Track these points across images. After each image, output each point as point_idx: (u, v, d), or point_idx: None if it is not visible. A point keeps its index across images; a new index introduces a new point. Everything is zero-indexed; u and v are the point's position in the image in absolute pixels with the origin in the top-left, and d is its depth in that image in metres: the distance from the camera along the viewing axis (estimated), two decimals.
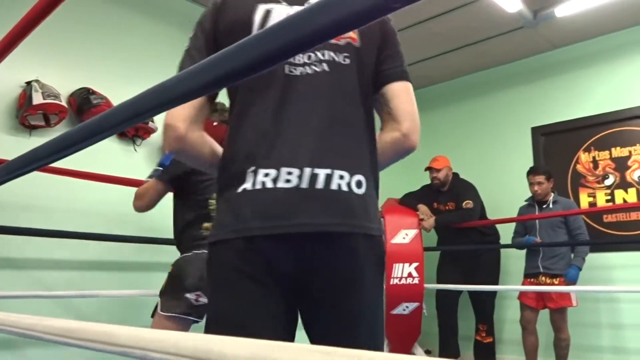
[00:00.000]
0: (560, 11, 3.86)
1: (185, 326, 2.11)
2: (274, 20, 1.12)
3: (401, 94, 1.17)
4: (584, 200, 4.30)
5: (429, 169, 4.39)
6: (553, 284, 3.72)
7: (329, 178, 1.04)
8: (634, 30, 4.21)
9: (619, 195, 4.17)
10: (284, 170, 1.03)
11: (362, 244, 1.06)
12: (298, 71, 1.12)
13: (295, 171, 1.03)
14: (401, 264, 4.26)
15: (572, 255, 3.76)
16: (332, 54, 1.13)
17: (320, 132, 1.08)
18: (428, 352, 4.59)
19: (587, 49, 4.43)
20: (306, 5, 0.52)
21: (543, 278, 3.76)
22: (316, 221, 1.02)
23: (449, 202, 4.22)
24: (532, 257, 3.86)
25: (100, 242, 2.97)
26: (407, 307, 3.82)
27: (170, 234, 2.30)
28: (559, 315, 3.71)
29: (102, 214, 3.07)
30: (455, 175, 4.42)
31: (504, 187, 4.63)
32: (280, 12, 1.14)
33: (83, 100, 2.96)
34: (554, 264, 3.72)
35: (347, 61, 1.14)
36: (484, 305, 4.23)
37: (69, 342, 0.64)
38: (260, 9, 1.14)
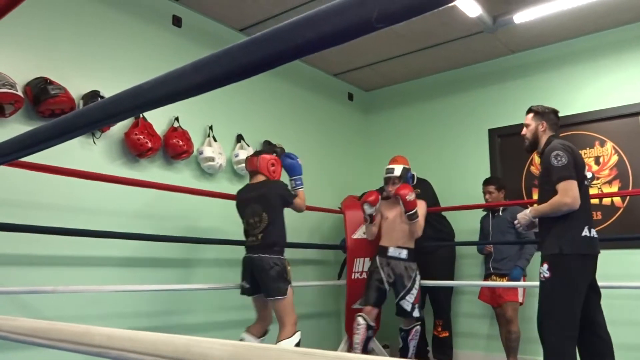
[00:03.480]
0: (518, 18, 3.99)
1: None
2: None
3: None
4: None
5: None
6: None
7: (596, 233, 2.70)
8: (588, 37, 4.39)
9: None
10: (593, 230, 2.66)
11: None
12: (587, 184, 2.80)
13: (594, 230, 2.67)
14: (361, 259, 4.32)
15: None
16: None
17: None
18: (386, 347, 4.67)
19: (544, 54, 4.60)
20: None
21: (494, 277, 4.06)
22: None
23: None
24: (487, 260, 4.20)
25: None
26: None
27: None
28: (511, 307, 3.90)
29: (55, 207, 2.99)
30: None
31: (461, 186, 4.75)
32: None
33: (40, 90, 2.86)
34: (503, 265, 4.03)
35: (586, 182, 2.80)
36: (440, 302, 4.35)
37: (40, 342, 0.62)
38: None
